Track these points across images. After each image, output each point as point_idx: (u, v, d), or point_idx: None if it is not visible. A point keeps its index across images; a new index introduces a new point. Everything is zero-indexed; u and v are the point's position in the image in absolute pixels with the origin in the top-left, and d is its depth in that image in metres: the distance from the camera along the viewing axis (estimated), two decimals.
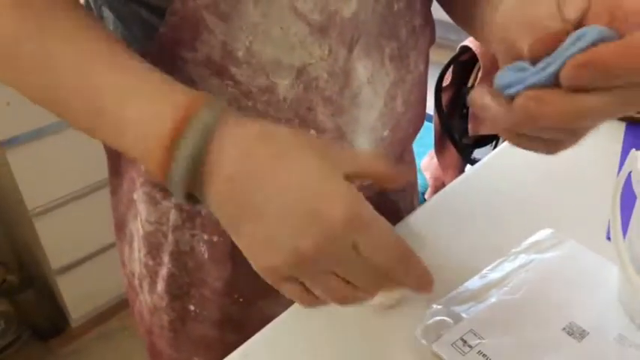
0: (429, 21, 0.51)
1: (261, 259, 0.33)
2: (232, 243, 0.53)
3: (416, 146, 0.69)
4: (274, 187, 0.31)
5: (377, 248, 0.32)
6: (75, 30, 0.36)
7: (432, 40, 0.54)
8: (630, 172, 0.47)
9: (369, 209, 0.31)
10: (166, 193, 0.52)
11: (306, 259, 0.31)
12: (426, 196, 1.33)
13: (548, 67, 0.30)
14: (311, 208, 0.30)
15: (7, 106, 1.20)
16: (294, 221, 0.31)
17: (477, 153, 1.29)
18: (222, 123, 0.32)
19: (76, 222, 1.39)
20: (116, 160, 0.57)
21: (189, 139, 0.31)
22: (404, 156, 0.66)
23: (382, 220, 0.32)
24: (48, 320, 1.56)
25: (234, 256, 0.53)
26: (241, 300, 0.56)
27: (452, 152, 1.27)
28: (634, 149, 0.48)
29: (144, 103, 0.33)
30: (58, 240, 1.39)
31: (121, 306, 1.57)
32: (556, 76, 0.29)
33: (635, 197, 0.47)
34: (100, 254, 1.46)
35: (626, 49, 0.27)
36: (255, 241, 0.33)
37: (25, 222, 1.38)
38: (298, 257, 0.31)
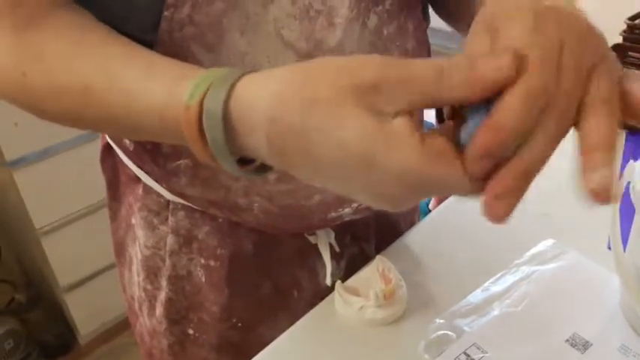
0: (423, 42, 0.50)
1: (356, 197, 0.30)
2: (228, 267, 0.54)
3: None
4: (314, 142, 0.27)
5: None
6: (71, 45, 0.36)
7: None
8: (629, 182, 0.48)
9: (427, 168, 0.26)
10: (163, 217, 0.53)
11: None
12: (430, 207, 1.33)
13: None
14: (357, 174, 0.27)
15: (15, 127, 1.21)
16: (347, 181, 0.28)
17: None
18: (237, 84, 0.29)
19: (83, 239, 1.40)
20: (115, 186, 0.58)
21: (209, 106, 0.29)
22: None
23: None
24: (56, 338, 1.56)
25: (231, 281, 0.54)
26: (240, 325, 0.56)
27: None
28: (632, 160, 0.49)
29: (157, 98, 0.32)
30: (65, 258, 1.40)
31: (129, 322, 1.58)
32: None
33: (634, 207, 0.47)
34: (108, 271, 1.47)
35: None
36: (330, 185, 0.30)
37: (32, 241, 1.39)
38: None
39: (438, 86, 0.26)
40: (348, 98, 0.26)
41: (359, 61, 0.28)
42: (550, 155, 0.27)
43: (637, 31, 0.87)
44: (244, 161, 0.32)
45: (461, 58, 0.27)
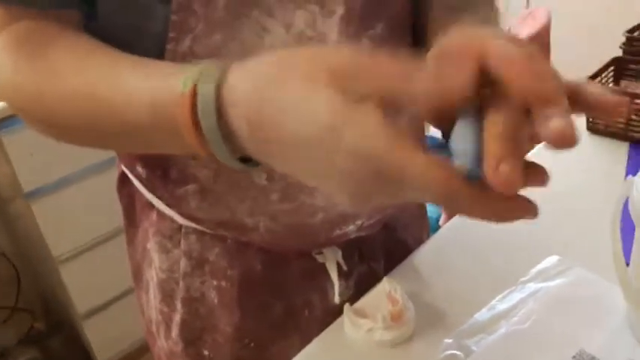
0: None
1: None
2: (239, 288, 0.55)
3: None
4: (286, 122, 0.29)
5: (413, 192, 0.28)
6: (80, 59, 0.39)
7: None
8: (628, 198, 0.48)
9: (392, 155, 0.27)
10: (176, 241, 0.55)
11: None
12: (440, 223, 1.34)
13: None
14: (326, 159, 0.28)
15: (31, 157, 1.25)
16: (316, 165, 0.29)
17: None
18: (227, 74, 0.32)
19: (99, 267, 1.42)
20: (131, 213, 0.60)
21: (202, 98, 0.31)
22: None
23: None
24: None
25: (242, 301, 0.56)
26: (252, 345, 0.57)
27: None
28: (630, 176, 0.49)
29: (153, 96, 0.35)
30: (83, 285, 1.42)
31: (146, 348, 1.58)
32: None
33: None
34: (124, 297, 1.49)
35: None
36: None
37: (50, 269, 1.42)
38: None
39: (405, 88, 0.28)
40: (321, 77, 0.28)
41: (335, 49, 0.31)
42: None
43: (636, 44, 0.87)
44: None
45: (430, 66, 0.28)
